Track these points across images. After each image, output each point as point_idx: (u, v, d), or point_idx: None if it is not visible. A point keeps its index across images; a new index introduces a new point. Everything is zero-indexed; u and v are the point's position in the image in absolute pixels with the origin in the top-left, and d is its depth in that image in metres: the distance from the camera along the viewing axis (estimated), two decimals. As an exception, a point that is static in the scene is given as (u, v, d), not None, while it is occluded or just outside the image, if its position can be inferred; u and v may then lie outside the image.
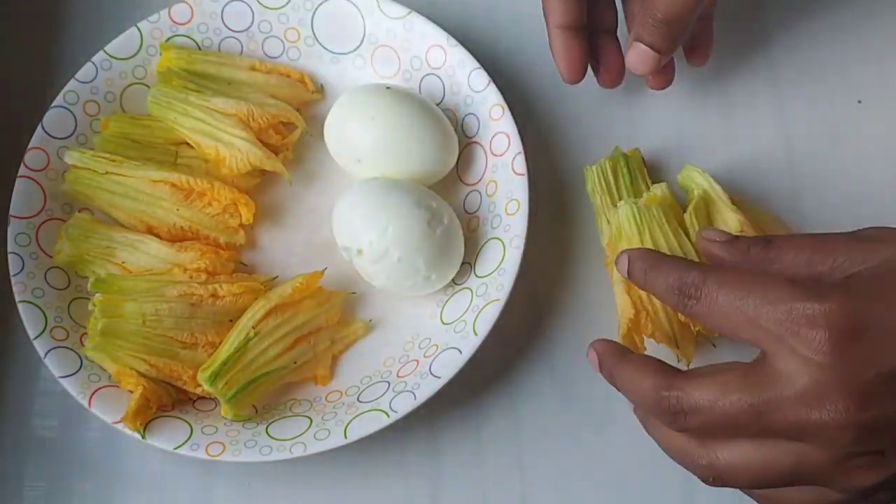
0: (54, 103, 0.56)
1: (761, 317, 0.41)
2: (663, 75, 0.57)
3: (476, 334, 0.52)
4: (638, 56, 0.53)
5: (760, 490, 0.45)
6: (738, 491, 0.54)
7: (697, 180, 0.55)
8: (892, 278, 0.41)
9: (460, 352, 0.52)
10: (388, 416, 0.51)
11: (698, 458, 0.43)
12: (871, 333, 0.40)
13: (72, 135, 0.56)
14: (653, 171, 0.58)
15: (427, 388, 0.51)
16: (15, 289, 0.52)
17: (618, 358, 0.46)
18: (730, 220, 0.54)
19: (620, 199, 0.55)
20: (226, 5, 0.58)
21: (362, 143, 0.55)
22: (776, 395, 0.40)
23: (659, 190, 0.54)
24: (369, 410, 0.51)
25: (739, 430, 0.41)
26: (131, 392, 0.51)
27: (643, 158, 0.57)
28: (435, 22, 0.58)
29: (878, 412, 0.39)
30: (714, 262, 0.47)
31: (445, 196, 0.56)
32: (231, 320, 0.53)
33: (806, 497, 0.43)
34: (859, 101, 0.61)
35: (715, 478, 0.43)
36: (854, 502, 0.42)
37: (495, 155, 0.56)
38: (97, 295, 0.51)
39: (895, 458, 0.41)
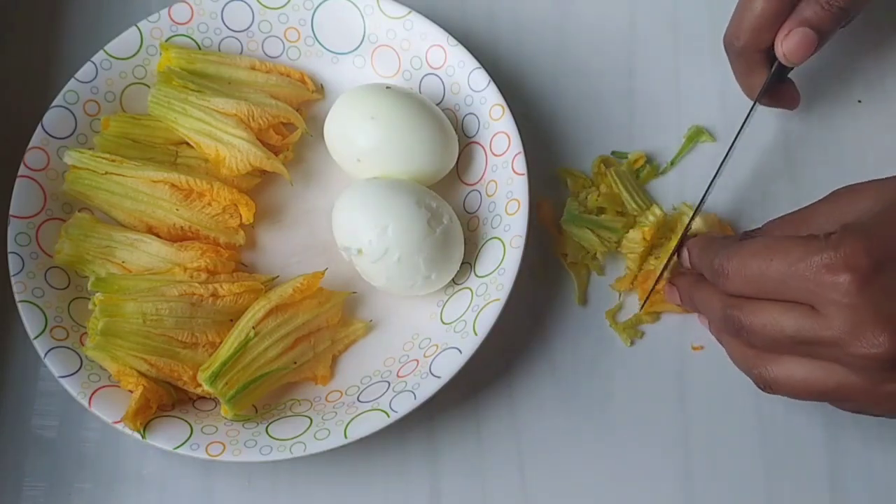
0: (54, 103, 0.56)
1: (789, 278, 0.44)
2: (796, 96, 0.58)
3: (476, 334, 0.52)
4: (802, 40, 0.52)
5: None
6: (736, 490, 0.54)
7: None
8: (888, 216, 0.44)
9: (460, 352, 0.52)
10: (388, 416, 0.50)
11: (754, 367, 0.48)
12: (890, 265, 0.42)
13: (72, 135, 0.56)
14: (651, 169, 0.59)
15: (427, 388, 0.51)
16: (15, 289, 0.52)
17: (694, 283, 0.52)
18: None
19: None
20: (226, 5, 0.58)
21: (362, 143, 0.55)
22: (816, 335, 0.44)
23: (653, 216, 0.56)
24: (369, 410, 0.51)
25: (788, 351, 0.46)
26: (131, 392, 0.51)
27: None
28: (435, 22, 0.58)
29: None
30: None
31: (445, 196, 0.55)
32: (231, 320, 0.53)
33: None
34: (859, 101, 0.61)
35: (766, 386, 0.48)
36: None
37: (495, 155, 0.56)
38: (97, 294, 0.51)
39: None
